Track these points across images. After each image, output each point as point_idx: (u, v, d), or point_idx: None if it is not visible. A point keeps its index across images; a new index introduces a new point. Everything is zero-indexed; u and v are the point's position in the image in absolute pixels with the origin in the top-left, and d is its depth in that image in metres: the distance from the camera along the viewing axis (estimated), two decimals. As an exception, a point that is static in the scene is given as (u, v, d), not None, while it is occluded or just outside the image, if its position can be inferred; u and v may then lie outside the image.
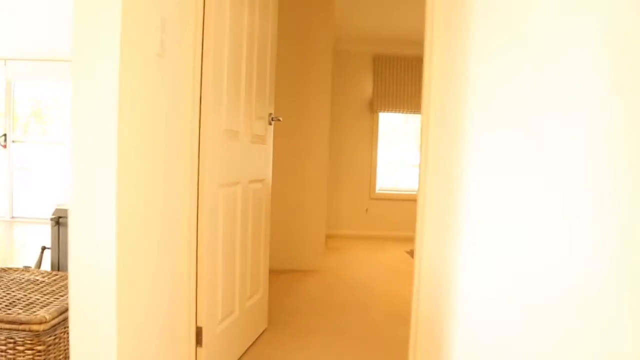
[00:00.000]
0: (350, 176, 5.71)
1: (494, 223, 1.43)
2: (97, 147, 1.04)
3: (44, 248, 2.07)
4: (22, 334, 1.22)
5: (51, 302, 1.36)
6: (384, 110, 5.66)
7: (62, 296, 1.40)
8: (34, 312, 1.28)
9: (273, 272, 3.61)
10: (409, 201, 5.69)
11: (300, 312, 2.70)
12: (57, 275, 1.60)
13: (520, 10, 1.36)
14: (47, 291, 1.46)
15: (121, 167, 1.07)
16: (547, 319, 1.32)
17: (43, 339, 1.24)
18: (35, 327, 1.22)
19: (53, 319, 1.26)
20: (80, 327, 1.05)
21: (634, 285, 1.00)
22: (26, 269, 1.68)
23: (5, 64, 5.61)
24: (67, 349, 1.30)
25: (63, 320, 1.29)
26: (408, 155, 5.92)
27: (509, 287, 1.40)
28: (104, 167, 1.03)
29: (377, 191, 5.75)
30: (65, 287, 1.47)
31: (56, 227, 1.97)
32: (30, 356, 1.21)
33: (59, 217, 1.98)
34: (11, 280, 1.55)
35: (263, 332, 2.34)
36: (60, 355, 1.30)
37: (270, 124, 2.32)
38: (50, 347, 1.26)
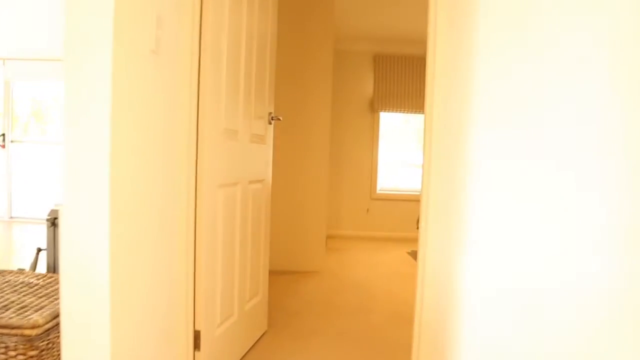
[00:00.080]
0: (350, 176, 5.68)
1: (499, 225, 1.39)
2: (89, 147, 1.00)
3: (39, 250, 2.04)
4: (14, 339, 1.19)
5: (45, 306, 1.33)
6: (385, 110, 5.62)
7: (56, 299, 1.37)
8: (27, 316, 1.24)
9: (273, 273, 3.58)
10: (410, 201, 5.66)
11: (301, 314, 2.67)
12: (52, 277, 1.57)
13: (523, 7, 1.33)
14: (42, 294, 1.43)
15: (114, 167, 1.04)
16: (553, 324, 1.29)
17: (36, 344, 1.20)
18: (27, 332, 1.18)
19: (46, 323, 1.23)
20: (72, 332, 1.02)
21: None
22: (20, 271, 1.64)
23: (3, 64, 5.59)
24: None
25: (57, 325, 1.26)
26: (409, 155, 5.89)
27: (516, 292, 1.36)
28: (96, 167, 1.00)
29: (377, 191, 5.72)
30: (60, 290, 1.44)
31: (52, 228, 1.94)
32: (23, 361, 1.18)
33: (55, 219, 1.94)
34: (5, 282, 1.52)
35: (263, 334, 2.31)
36: (54, 360, 1.26)
37: (270, 123, 2.29)
38: (43, 352, 1.23)
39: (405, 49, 5.55)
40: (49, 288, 1.48)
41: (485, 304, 1.42)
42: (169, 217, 1.43)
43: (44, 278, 1.58)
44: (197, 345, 1.63)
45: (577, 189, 1.27)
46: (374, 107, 5.62)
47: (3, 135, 5.71)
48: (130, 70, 1.10)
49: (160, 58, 1.29)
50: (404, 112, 5.66)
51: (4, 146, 5.73)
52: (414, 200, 5.66)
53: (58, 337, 1.26)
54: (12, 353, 1.18)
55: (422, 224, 1.70)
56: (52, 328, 1.26)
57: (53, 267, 1.91)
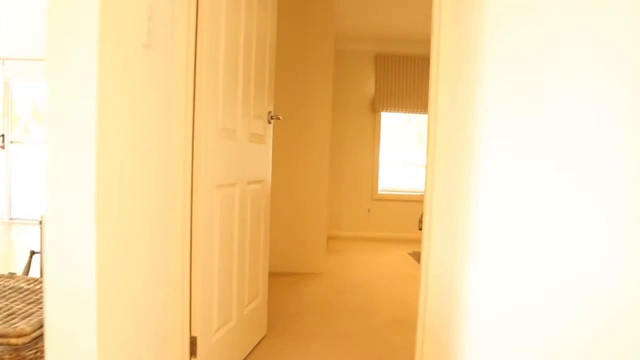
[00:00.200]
0: (351, 176, 5.63)
1: (507, 226, 1.33)
2: (74, 147, 0.95)
3: (32, 253, 1.99)
4: None
5: (34, 313, 1.28)
6: (386, 110, 5.57)
7: (47, 305, 1.31)
8: (14, 323, 1.19)
9: (273, 275, 3.53)
10: (412, 202, 5.61)
11: (301, 317, 2.62)
12: (42, 282, 1.51)
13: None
14: (31, 300, 1.38)
15: (101, 167, 0.99)
16: (566, 330, 1.24)
17: (22, 353, 1.15)
18: (13, 341, 1.13)
19: (34, 331, 1.18)
20: (57, 343, 0.97)
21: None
22: (11, 275, 1.59)
23: (3, 64, 5.55)
24: (51, 362, 1.21)
25: (46, 332, 1.20)
26: (410, 155, 5.83)
27: (526, 299, 1.31)
28: (81, 168, 0.95)
29: (379, 192, 5.66)
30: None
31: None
32: (10, 371, 1.13)
33: (48, 221, 1.88)
34: (-5, 287, 1.46)
35: (262, 339, 2.26)
36: (43, 369, 1.21)
37: (269, 122, 2.23)
38: (31, 362, 1.17)
39: (406, 49, 5.50)
40: (39, 294, 1.43)
41: (492, 308, 1.36)
42: (164, 219, 1.38)
43: (35, 283, 1.52)
44: (193, 352, 1.57)
45: (586, 189, 1.22)
46: (375, 107, 5.57)
47: (2, 135, 5.67)
48: (119, 65, 1.05)
49: (153, 53, 1.23)
50: (405, 112, 5.60)
51: (3, 147, 5.69)
52: (415, 201, 5.61)
53: (47, 345, 1.20)
54: (-2, 362, 1.12)
55: (425, 226, 1.64)
56: (40, 336, 1.21)
57: (46, 271, 1.84)
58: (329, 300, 2.98)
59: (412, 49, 5.48)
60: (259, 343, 2.20)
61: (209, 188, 1.63)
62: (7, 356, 1.13)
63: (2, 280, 1.53)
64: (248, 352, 2.06)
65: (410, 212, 5.62)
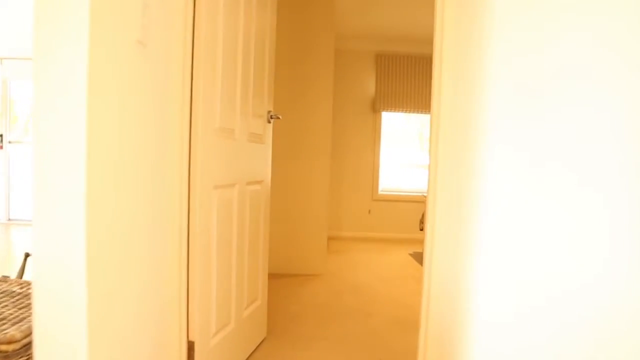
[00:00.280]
0: (352, 177, 5.59)
1: (513, 226, 1.30)
2: (62, 147, 0.91)
3: (27, 255, 1.95)
4: (-10, 354, 1.10)
5: (25, 318, 1.24)
6: (387, 110, 5.54)
7: (40, 309, 1.27)
8: (4, 329, 1.15)
9: (273, 277, 3.50)
10: (413, 202, 5.57)
11: (301, 319, 2.58)
12: (36, 285, 1.46)
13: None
14: (23, 304, 1.34)
15: (93, 169, 0.95)
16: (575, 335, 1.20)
17: None
18: (3, 348, 1.09)
19: (25, 337, 1.14)
20: (46, 349, 0.93)
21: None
22: (4, 278, 1.56)
23: (1, 63, 5.52)
24: (43, 369, 1.17)
25: (39, 337, 1.16)
26: (411, 155, 5.79)
27: (531, 300, 1.27)
28: (70, 169, 0.91)
29: (379, 192, 5.63)
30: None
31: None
32: (0, 378, 1.09)
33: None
34: (-13, 291, 1.42)
35: (262, 342, 2.22)
36: (35, 375, 1.17)
37: (269, 122, 2.20)
38: (22, 369, 1.13)
39: (407, 48, 5.46)
40: (31, 298, 1.39)
41: (497, 311, 1.32)
42: (159, 222, 1.34)
43: (28, 286, 1.49)
44: (190, 357, 1.53)
45: (591, 190, 1.18)
46: (376, 106, 5.53)
47: (1, 135, 5.64)
48: (111, 61, 1.01)
49: (149, 49, 1.19)
50: (406, 112, 5.57)
51: (2, 147, 5.65)
52: (416, 201, 5.57)
53: (39, 351, 1.16)
54: (-13, 370, 1.09)
55: (428, 227, 1.61)
56: (31, 343, 1.17)
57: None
58: (329, 301, 2.94)
59: (413, 49, 5.45)
60: (258, 346, 2.16)
61: (206, 189, 1.59)
62: (-3, 363, 1.09)
63: (-5, 283, 1.50)
64: (247, 355, 2.03)
65: (411, 213, 5.59)
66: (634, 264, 1.16)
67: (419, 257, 4.46)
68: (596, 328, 1.20)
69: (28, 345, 1.15)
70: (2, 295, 1.41)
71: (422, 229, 4.49)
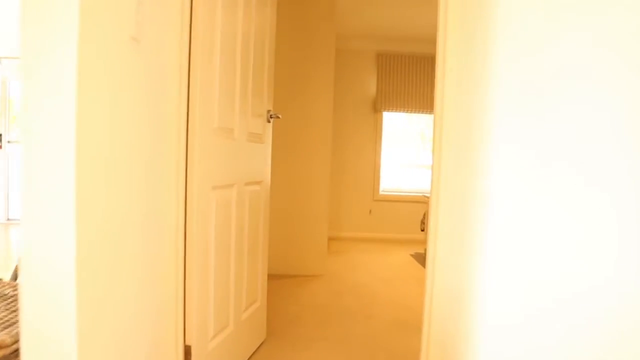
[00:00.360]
0: (352, 177, 5.56)
1: (521, 226, 1.26)
2: (51, 146, 0.88)
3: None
4: (-20, 359, 1.06)
5: (17, 322, 1.20)
6: (388, 110, 5.51)
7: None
8: (-5, 333, 1.12)
9: (273, 278, 3.46)
10: (414, 203, 5.54)
11: (302, 320, 2.55)
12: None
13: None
14: (15, 308, 1.30)
15: (84, 168, 0.91)
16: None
17: (4, 365, 1.08)
18: (-6, 352, 1.06)
19: (15, 342, 1.11)
20: (34, 354, 0.90)
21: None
22: (-3, 280, 1.52)
23: (0, 63, 5.49)
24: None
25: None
26: (413, 155, 5.76)
27: (539, 303, 1.24)
28: (59, 169, 0.87)
29: (380, 192, 5.59)
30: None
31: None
32: (-9, 384, 1.06)
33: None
34: (-20, 293, 1.39)
35: (261, 344, 2.18)
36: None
37: (268, 121, 2.16)
38: (13, 374, 1.10)
39: (409, 48, 5.43)
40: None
41: (503, 315, 1.29)
42: (155, 223, 1.31)
43: (22, 288, 1.45)
44: (187, 361, 1.50)
45: (598, 189, 1.15)
46: (377, 106, 5.50)
47: (0, 135, 5.62)
48: (103, 58, 0.97)
49: (143, 46, 1.16)
50: (407, 112, 5.53)
51: (0, 147, 5.63)
52: (417, 202, 5.54)
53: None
54: (-23, 376, 1.05)
55: (431, 228, 1.57)
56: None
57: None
58: (329, 302, 2.91)
59: (414, 48, 5.41)
60: (257, 349, 2.13)
61: (204, 189, 1.56)
62: (-14, 369, 1.06)
63: (-13, 285, 1.46)
64: (247, 358, 1.99)
65: (412, 213, 5.55)
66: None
67: (420, 258, 4.43)
68: (606, 330, 1.17)
69: (18, 351, 1.12)
70: (-6, 298, 1.38)
71: (423, 230, 4.46)
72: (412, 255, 4.62)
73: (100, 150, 0.99)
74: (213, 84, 1.59)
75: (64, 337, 0.90)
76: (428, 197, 4.58)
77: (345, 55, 5.48)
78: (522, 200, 1.25)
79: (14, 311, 1.29)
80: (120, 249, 1.11)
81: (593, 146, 1.16)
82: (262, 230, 2.15)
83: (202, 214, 1.54)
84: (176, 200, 1.43)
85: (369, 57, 5.50)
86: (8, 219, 5.62)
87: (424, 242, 4.53)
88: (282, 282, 3.40)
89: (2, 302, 1.35)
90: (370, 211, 5.57)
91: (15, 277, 1.70)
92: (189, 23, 1.44)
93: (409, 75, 5.49)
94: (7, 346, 1.09)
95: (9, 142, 5.69)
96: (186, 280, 1.49)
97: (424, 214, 4.38)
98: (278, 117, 2.23)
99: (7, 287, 1.47)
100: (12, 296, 1.40)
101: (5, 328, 1.17)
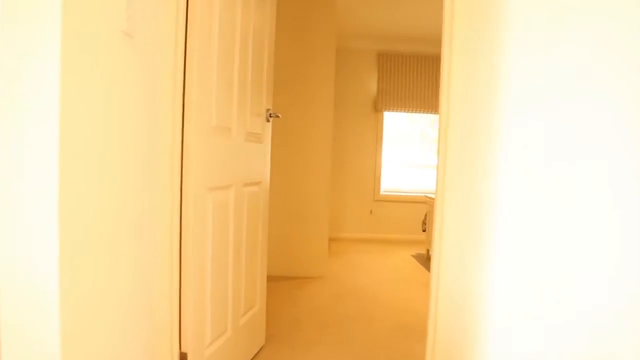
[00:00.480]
0: (353, 177, 5.51)
1: (531, 227, 1.21)
2: (34, 141, 0.83)
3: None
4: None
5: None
6: (389, 109, 5.46)
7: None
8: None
9: (273, 279, 3.41)
10: (415, 203, 5.49)
11: (301, 324, 2.49)
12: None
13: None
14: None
15: (68, 166, 0.86)
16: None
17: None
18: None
19: None
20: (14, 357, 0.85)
21: None
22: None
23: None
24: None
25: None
26: (414, 155, 5.71)
27: (549, 307, 1.19)
28: (42, 172, 0.82)
29: (381, 193, 5.54)
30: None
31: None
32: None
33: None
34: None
35: (260, 349, 2.13)
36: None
37: (268, 120, 2.11)
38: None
39: (409, 47, 5.38)
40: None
41: (516, 317, 1.24)
42: (149, 225, 1.26)
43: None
44: (183, 369, 1.45)
45: (614, 188, 1.10)
46: (378, 106, 5.45)
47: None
48: (92, 53, 0.92)
49: (137, 42, 1.11)
50: (408, 112, 5.48)
51: None
52: (418, 202, 5.49)
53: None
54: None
55: (435, 228, 1.52)
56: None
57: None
58: (330, 305, 2.86)
59: (416, 48, 5.36)
60: (257, 354, 2.08)
61: (200, 190, 1.51)
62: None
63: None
64: (245, 364, 1.94)
65: (413, 214, 5.50)
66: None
67: (421, 259, 4.38)
68: (616, 331, 1.12)
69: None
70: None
71: (424, 230, 4.40)
72: (413, 255, 4.57)
73: (91, 148, 0.94)
74: (210, 81, 1.54)
75: (46, 338, 0.85)
76: (429, 197, 4.50)
77: (346, 54, 5.43)
78: (531, 199, 1.20)
79: None
80: (112, 249, 1.06)
81: (599, 146, 1.11)
82: (261, 232, 2.10)
83: (198, 215, 1.49)
84: (171, 201, 1.38)
85: (370, 57, 5.45)
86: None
87: (425, 242, 4.48)
88: (282, 283, 3.35)
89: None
90: (371, 211, 5.52)
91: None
92: (184, 19, 1.39)
93: (410, 74, 5.44)
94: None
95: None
96: (182, 285, 1.44)
97: (426, 215, 4.33)
98: (277, 117, 2.18)
99: None
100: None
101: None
